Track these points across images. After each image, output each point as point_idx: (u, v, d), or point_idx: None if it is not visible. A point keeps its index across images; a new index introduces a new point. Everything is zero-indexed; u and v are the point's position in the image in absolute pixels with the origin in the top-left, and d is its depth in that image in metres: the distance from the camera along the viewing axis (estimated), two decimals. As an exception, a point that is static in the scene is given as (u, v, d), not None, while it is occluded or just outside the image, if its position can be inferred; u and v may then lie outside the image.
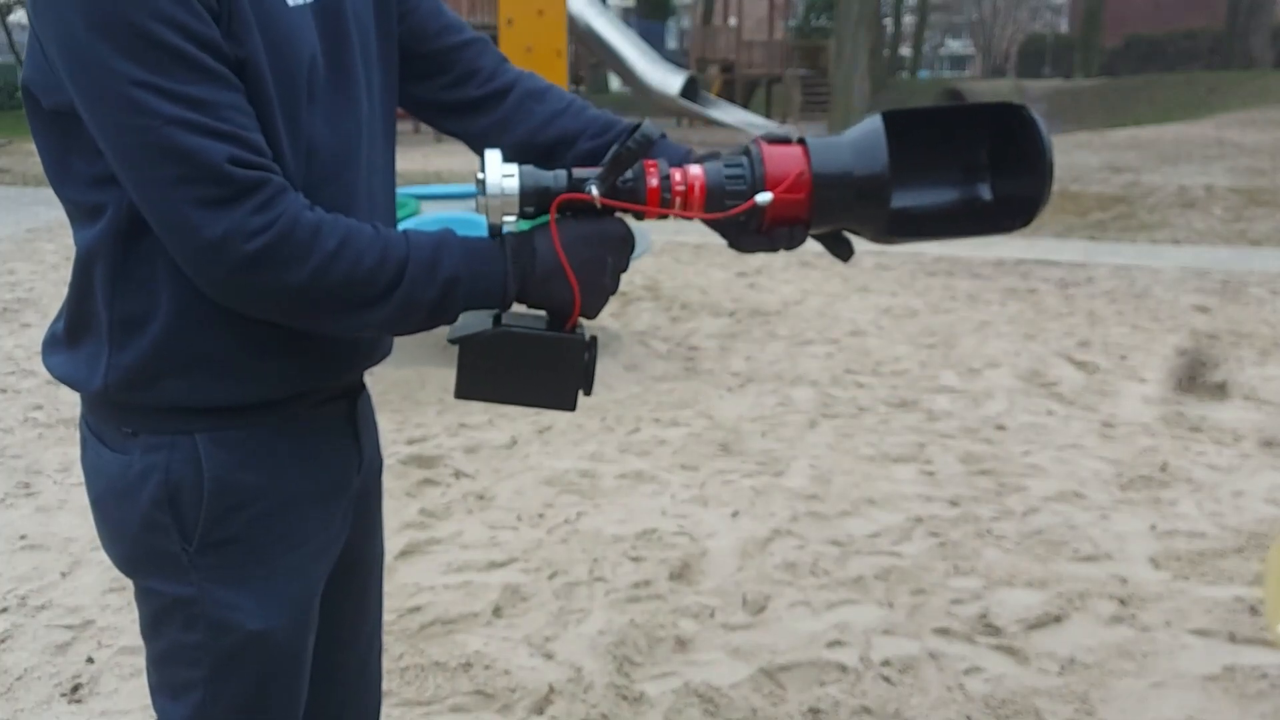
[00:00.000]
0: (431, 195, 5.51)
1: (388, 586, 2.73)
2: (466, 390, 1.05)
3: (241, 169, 0.91)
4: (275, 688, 1.12)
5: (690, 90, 18.97)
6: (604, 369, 4.70)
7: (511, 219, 1.02)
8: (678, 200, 1.03)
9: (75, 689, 2.31)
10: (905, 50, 43.08)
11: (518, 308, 1.05)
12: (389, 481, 3.43)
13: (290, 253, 0.93)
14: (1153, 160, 12.48)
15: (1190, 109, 18.25)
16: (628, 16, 28.88)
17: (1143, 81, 23.92)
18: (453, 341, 1.03)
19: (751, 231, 1.08)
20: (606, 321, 5.62)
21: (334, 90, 1.04)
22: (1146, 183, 10.88)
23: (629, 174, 1.03)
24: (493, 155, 1.02)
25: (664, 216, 1.06)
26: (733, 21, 23.85)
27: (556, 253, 1.01)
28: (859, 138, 1.03)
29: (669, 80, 18.86)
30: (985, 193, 1.10)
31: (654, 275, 6.70)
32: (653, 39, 22.80)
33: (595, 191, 1.01)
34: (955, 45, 60.67)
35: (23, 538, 3.05)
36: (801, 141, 1.05)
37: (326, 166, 1.03)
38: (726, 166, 1.04)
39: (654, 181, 1.03)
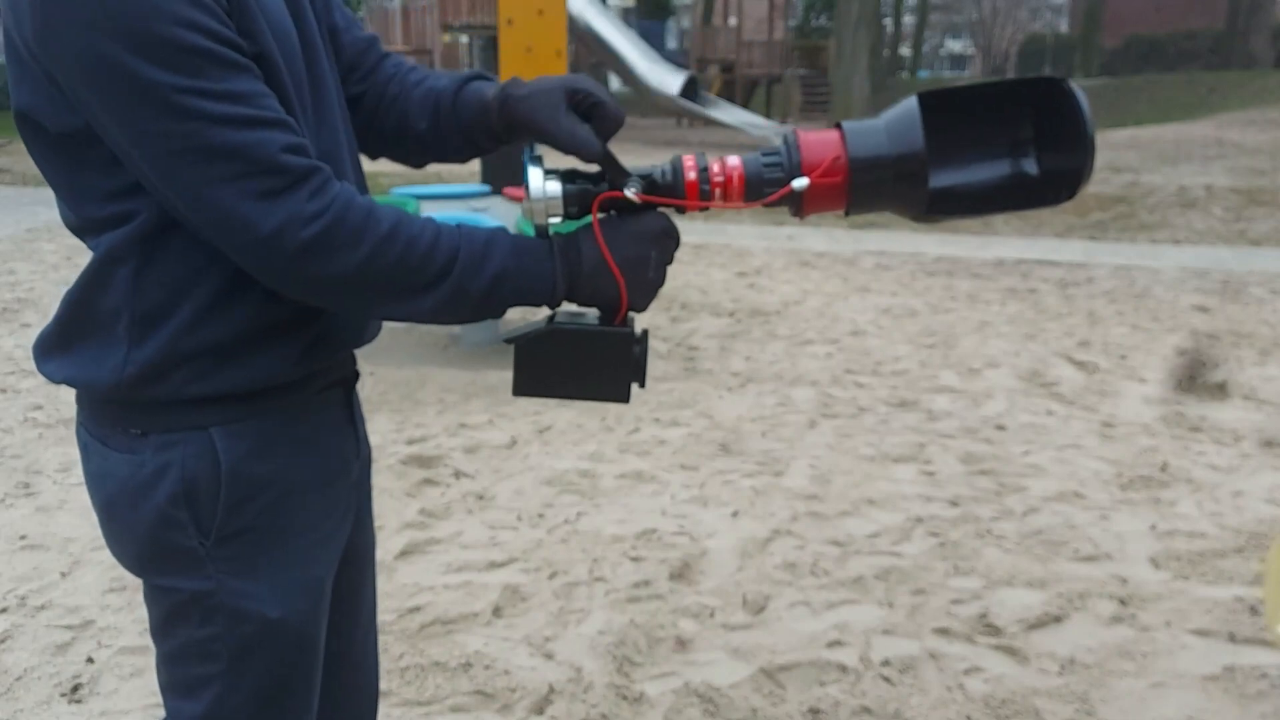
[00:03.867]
0: (432, 195, 5.51)
1: (388, 586, 2.73)
2: (523, 387, 1.08)
3: (295, 156, 0.93)
4: (294, 676, 1.12)
5: (690, 90, 18.96)
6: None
7: (557, 220, 1.05)
8: (717, 191, 1.06)
9: (75, 689, 2.31)
10: (905, 50, 43.07)
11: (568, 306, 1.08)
12: (389, 481, 3.43)
13: (346, 237, 0.95)
14: (1153, 160, 12.48)
15: (1190, 109, 18.25)
16: (628, 16, 28.85)
17: (1143, 81, 23.91)
18: (508, 341, 1.06)
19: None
20: (606, 321, 5.62)
21: (312, 77, 1.06)
22: (1146, 183, 10.89)
23: (667, 168, 1.06)
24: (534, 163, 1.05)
25: (705, 209, 1.07)
26: (733, 21, 23.84)
27: (601, 250, 1.04)
28: (894, 119, 1.03)
29: (669, 80, 18.85)
30: (1031, 167, 1.10)
31: (654, 275, 6.69)
32: (653, 39, 22.79)
33: (633, 190, 1.04)
34: (955, 45, 60.65)
35: (23, 538, 3.04)
36: (838, 126, 1.06)
37: (324, 148, 1.06)
38: (764, 155, 1.06)
39: (691, 175, 1.05)
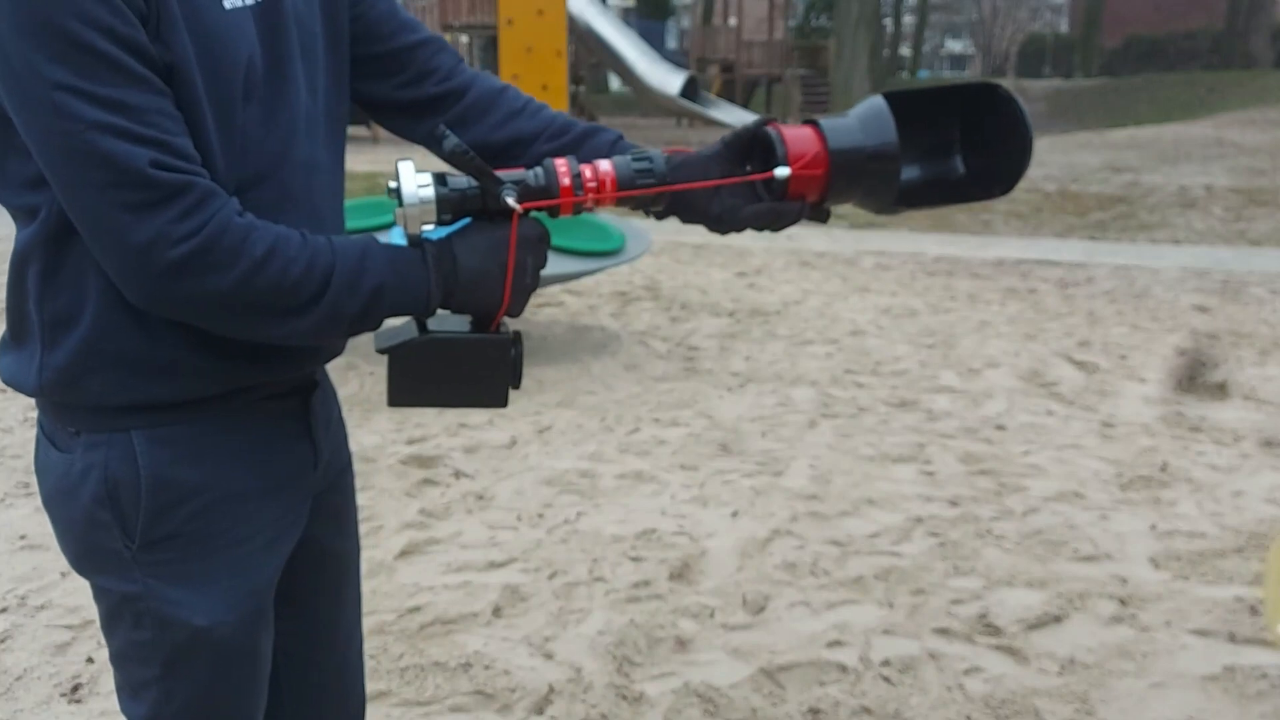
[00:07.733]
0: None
1: (388, 586, 2.73)
2: (399, 398, 1.07)
3: (165, 172, 0.90)
4: (228, 683, 1.11)
5: (690, 90, 18.96)
6: (604, 369, 4.71)
7: (429, 227, 1.04)
8: (590, 196, 1.07)
9: (75, 689, 2.31)
10: (905, 50, 43.10)
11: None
12: (389, 481, 3.43)
13: (217, 259, 0.93)
14: (1153, 160, 12.48)
15: (1190, 109, 18.25)
16: (628, 16, 28.86)
17: (1143, 81, 23.93)
18: (381, 351, 1.04)
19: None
20: (606, 321, 5.63)
21: (270, 90, 1.03)
22: (1146, 183, 10.89)
23: (539, 172, 1.07)
24: (406, 166, 1.03)
25: (579, 211, 1.09)
26: (733, 21, 23.83)
27: (479, 258, 1.03)
28: (866, 115, 1.09)
29: (669, 80, 18.86)
30: (959, 166, 1.19)
31: (654, 275, 6.68)
32: (653, 39, 22.80)
33: (510, 198, 1.03)
34: (955, 45, 60.67)
35: (23, 538, 3.05)
36: (812, 123, 1.10)
37: (260, 165, 1.02)
38: (634, 160, 1.09)
39: (566, 180, 1.06)
